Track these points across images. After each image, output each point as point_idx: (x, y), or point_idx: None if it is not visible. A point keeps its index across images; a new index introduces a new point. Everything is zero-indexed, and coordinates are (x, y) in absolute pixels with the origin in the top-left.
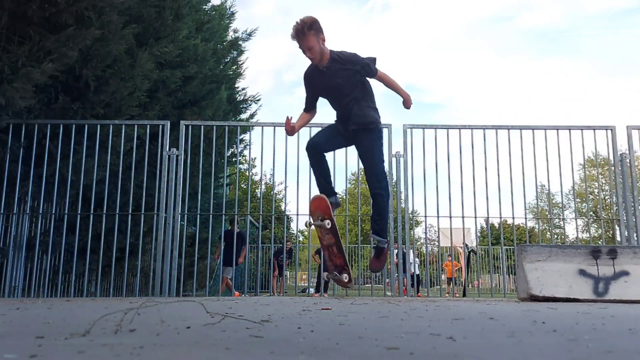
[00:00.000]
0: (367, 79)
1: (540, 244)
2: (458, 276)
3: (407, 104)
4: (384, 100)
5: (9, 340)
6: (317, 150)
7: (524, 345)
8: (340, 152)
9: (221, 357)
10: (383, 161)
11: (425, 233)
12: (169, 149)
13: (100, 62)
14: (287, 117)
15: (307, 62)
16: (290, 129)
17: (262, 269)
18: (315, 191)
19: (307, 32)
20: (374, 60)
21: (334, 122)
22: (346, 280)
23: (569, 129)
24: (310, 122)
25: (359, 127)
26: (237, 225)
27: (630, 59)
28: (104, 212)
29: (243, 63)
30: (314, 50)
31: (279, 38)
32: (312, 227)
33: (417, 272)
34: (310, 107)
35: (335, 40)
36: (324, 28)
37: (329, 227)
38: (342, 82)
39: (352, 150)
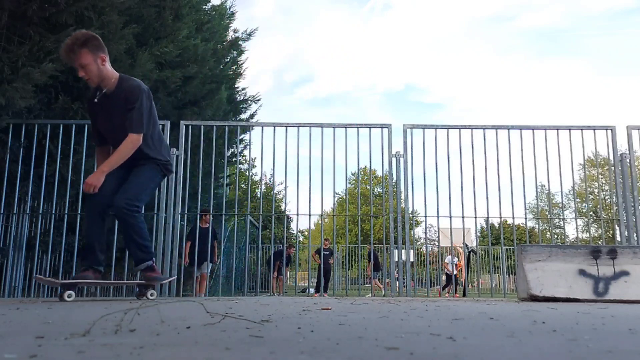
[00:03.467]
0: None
1: (540, 244)
2: (459, 276)
3: (87, 181)
4: (383, 99)
5: (9, 340)
6: (103, 210)
7: (524, 345)
8: (340, 153)
9: (221, 357)
10: (147, 192)
11: (425, 233)
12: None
13: None
14: (87, 182)
15: (304, 65)
16: (95, 187)
17: (262, 269)
18: (316, 190)
19: (78, 49)
20: (147, 116)
21: None
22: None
23: (569, 129)
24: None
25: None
26: (208, 221)
27: (630, 59)
28: None
29: (243, 63)
30: (88, 69)
31: (279, 38)
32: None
33: (455, 273)
34: (101, 141)
35: (335, 40)
36: (321, 30)
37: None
38: (116, 122)
39: (352, 149)
